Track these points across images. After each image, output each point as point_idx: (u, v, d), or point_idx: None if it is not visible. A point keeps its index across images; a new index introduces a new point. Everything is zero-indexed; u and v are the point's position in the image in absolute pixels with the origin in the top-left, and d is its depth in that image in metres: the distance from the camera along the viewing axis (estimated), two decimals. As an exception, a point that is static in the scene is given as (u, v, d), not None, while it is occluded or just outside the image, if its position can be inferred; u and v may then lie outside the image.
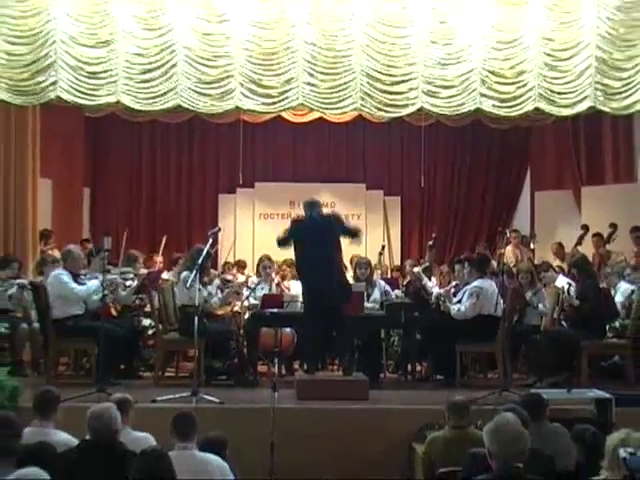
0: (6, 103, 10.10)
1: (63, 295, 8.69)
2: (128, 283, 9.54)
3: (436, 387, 8.95)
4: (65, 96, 9.84)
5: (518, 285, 9.78)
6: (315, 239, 8.39)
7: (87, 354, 9.29)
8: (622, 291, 9.61)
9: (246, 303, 9.90)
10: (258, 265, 10.46)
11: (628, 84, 10.00)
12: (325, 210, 9.06)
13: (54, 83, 9.73)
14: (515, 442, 4.34)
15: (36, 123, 11.69)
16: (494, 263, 11.39)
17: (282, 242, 8.76)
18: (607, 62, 9.98)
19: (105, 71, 9.77)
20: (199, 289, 8.37)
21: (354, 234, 8.69)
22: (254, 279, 10.35)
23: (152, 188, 15.23)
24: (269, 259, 10.43)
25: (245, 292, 9.91)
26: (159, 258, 11.11)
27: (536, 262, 11.59)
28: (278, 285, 10.26)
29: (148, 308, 9.58)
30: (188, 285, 8.60)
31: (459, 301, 9.14)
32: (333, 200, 13.95)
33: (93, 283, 8.76)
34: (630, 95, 10.01)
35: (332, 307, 8.35)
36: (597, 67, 9.96)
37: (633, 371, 8.92)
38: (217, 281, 9.80)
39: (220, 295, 9.57)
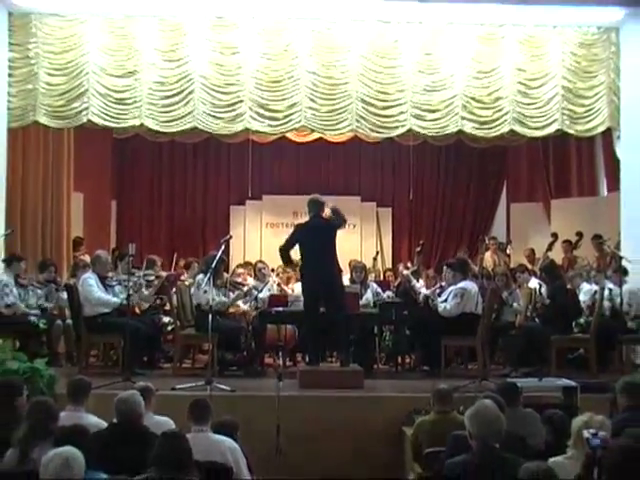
0: (45, 126, 10.18)
1: (87, 297, 8.71)
2: (151, 280, 9.56)
3: (423, 377, 8.91)
4: (96, 120, 9.89)
5: (496, 286, 9.78)
6: (315, 242, 8.35)
7: (114, 347, 9.26)
8: (585, 291, 9.59)
9: (255, 302, 9.87)
10: (254, 269, 10.48)
11: (590, 110, 10.07)
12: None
13: (86, 109, 9.78)
14: (492, 425, 4.37)
15: (70, 144, 11.72)
16: (474, 267, 11.44)
17: (284, 248, 8.60)
18: (572, 91, 10.05)
19: (131, 98, 9.82)
20: (212, 290, 8.39)
21: (339, 216, 8.50)
22: (250, 281, 10.32)
23: (171, 200, 15.21)
24: (262, 262, 10.51)
25: (254, 293, 9.90)
26: (181, 262, 11.17)
27: (512, 266, 11.58)
28: (279, 285, 10.25)
29: (168, 307, 9.59)
30: (203, 287, 8.64)
31: (445, 300, 9.14)
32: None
33: (115, 299, 8.78)
34: (592, 119, 10.10)
35: (330, 305, 8.35)
36: (563, 95, 10.03)
37: (595, 362, 8.94)
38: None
39: (232, 295, 9.57)
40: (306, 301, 8.55)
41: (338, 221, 8.50)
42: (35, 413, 4.65)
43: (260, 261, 10.53)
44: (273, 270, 10.86)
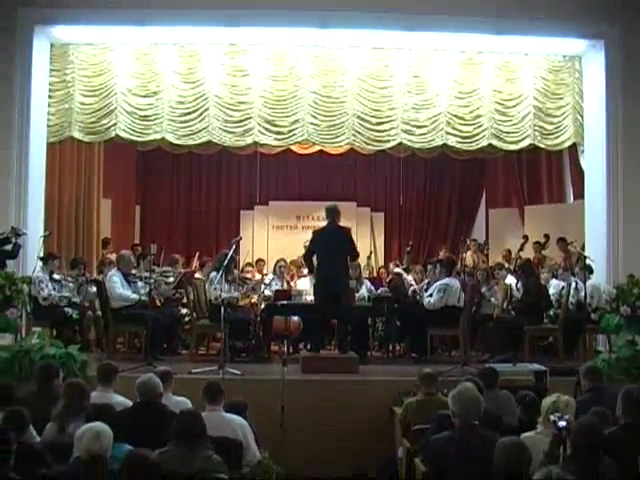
0: (79, 141, 10.25)
1: (111, 293, 8.73)
2: (169, 280, 9.59)
3: (411, 363, 8.91)
4: (123, 135, 9.92)
5: (476, 282, 9.80)
6: (329, 247, 8.33)
7: (138, 336, 9.29)
8: (554, 286, 9.63)
9: (263, 295, 9.86)
10: (275, 265, 10.34)
11: (558, 127, 10.09)
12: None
13: (115, 125, 9.79)
14: (473, 405, 4.40)
15: (100, 155, 11.79)
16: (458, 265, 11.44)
17: (307, 256, 8.68)
18: (542, 110, 10.05)
19: (153, 115, 9.82)
20: (223, 285, 8.40)
21: (353, 255, 8.57)
22: (270, 276, 10.35)
23: (188, 205, 15.20)
24: (285, 261, 10.38)
25: (262, 287, 9.92)
26: (195, 263, 11.20)
27: (490, 264, 11.60)
28: (288, 282, 10.26)
29: (185, 300, 9.61)
30: (216, 282, 8.65)
31: (430, 295, 9.16)
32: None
33: (134, 295, 8.80)
34: (560, 135, 10.12)
35: (338, 302, 8.32)
36: (535, 114, 10.04)
37: (563, 349, 8.95)
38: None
39: (241, 289, 9.58)
40: (317, 298, 8.53)
41: (352, 250, 8.50)
42: (70, 392, 4.69)
43: (284, 260, 10.39)
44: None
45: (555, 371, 7.42)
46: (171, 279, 9.60)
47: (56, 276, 9.10)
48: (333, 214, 8.52)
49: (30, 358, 6.86)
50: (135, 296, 8.81)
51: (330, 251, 8.31)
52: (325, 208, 8.72)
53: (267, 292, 9.77)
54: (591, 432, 3.87)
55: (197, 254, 11.73)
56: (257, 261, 11.60)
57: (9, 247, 8.32)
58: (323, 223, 8.93)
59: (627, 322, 8.24)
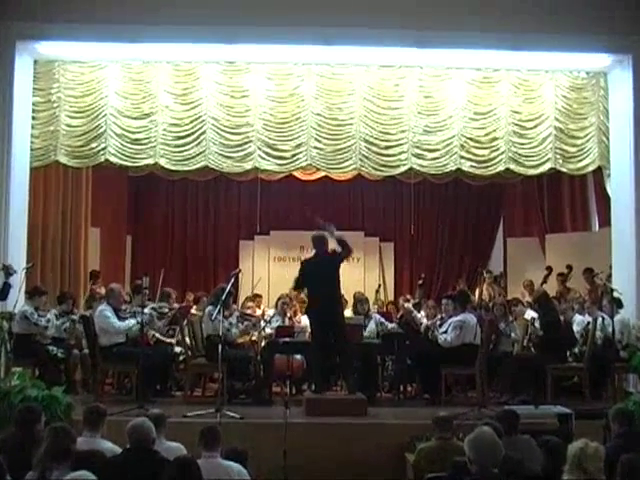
0: (65, 165, 10.30)
1: (105, 328, 8.72)
2: (163, 312, 9.58)
3: (424, 405, 8.89)
4: (113, 159, 9.98)
5: (493, 318, 9.77)
6: (320, 276, 8.38)
7: (128, 376, 9.24)
8: (578, 322, 9.58)
9: (263, 333, 9.87)
10: (278, 300, 10.37)
11: (581, 150, 10.12)
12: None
13: (104, 149, 9.86)
14: (491, 450, 4.36)
15: (89, 181, 11.86)
16: (474, 299, 11.43)
17: (297, 284, 8.87)
18: (564, 131, 10.10)
19: (146, 138, 9.90)
20: (221, 321, 8.40)
21: (345, 247, 8.55)
22: (270, 312, 10.34)
23: (183, 235, 15.23)
24: (289, 298, 10.41)
25: (262, 324, 9.90)
26: (191, 297, 11.20)
27: (509, 298, 11.56)
28: (290, 319, 10.22)
29: (179, 337, 9.59)
30: (212, 318, 8.64)
31: (445, 331, 9.13)
32: (336, 246, 13.87)
33: (131, 321, 8.80)
34: (583, 159, 10.15)
35: (337, 336, 8.33)
36: (556, 135, 10.08)
37: (589, 390, 8.88)
38: (236, 313, 9.76)
39: (241, 326, 9.57)
40: (313, 331, 8.55)
41: (344, 252, 8.53)
42: (53, 437, 4.64)
43: (287, 296, 10.45)
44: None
45: (581, 414, 7.35)
46: (164, 318, 9.60)
47: (42, 312, 9.09)
48: (321, 242, 8.60)
49: (10, 401, 6.82)
50: (133, 321, 8.76)
51: (323, 279, 8.36)
52: (312, 237, 8.75)
53: (268, 330, 9.75)
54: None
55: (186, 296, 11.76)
56: (254, 296, 11.58)
57: None
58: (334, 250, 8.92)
59: (659, 360, 8.19)
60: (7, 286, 8.36)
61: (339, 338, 8.35)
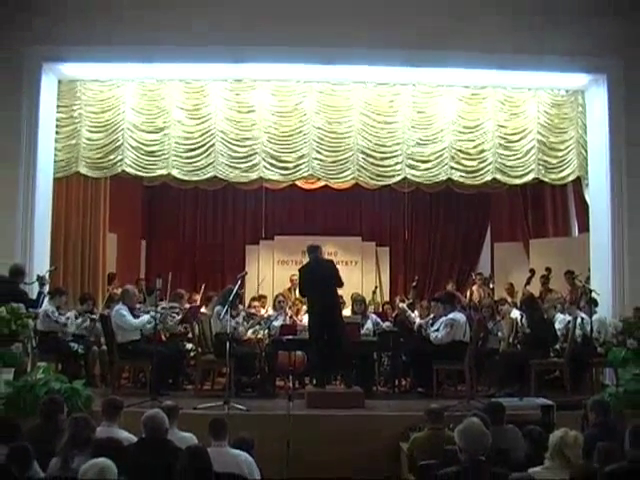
0: (85, 176, 10.35)
1: (121, 326, 8.75)
2: (176, 315, 9.60)
3: (417, 397, 8.90)
4: (129, 170, 10.02)
5: (482, 317, 9.78)
6: (318, 280, 8.42)
7: (143, 371, 9.28)
8: (560, 321, 9.58)
9: (264, 334, 9.89)
10: (275, 299, 10.45)
11: (562, 161, 10.15)
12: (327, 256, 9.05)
13: (121, 160, 9.89)
14: (480, 440, 4.37)
15: (107, 191, 11.87)
16: (463, 299, 11.43)
17: (301, 291, 9.01)
18: (546, 144, 10.13)
19: (159, 151, 9.93)
20: (229, 320, 8.42)
21: (338, 285, 8.63)
22: (272, 312, 10.36)
23: (193, 240, 15.25)
24: (283, 296, 10.48)
25: (266, 322, 9.93)
26: (198, 297, 11.21)
27: (495, 299, 11.57)
28: (291, 317, 10.23)
29: (190, 335, 9.62)
30: (221, 317, 8.66)
31: (437, 330, 9.14)
32: (336, 250, 13.86)
33: (144, 317, 8.84)
34: (564, 169, 10.18)
35: (335, 334, 8.35)
36: (539, 148, 10.11)
37: (569, 383, 8.90)
38: (243, 313, 9.78)
39: (246, 324, 9.59)
40: (312, 330, 8.55)
41: (337, 279, 8.59)
42: (75, 426, 4.66)
43: (281, 294, 10.55)
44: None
45: (562, 405, 7.36)
46: (177, 316, 9.61)
47: (62, 311, 9.12)
48: (316, 250, 8.71)
49: (35, 393, 6.84)
50: (147, 317, 8.79)
51: (319, 284, 8.40)
52: (307, 247, 8.91)
53: (272, 325, 9.77)
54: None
55: (203, 286, 11.75)
56: (259, 297, 11.60)
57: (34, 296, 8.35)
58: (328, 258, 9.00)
59: (634, 355, 8.20)
60: (41, 295, 8.39)
61: (338, 337, 8.36)
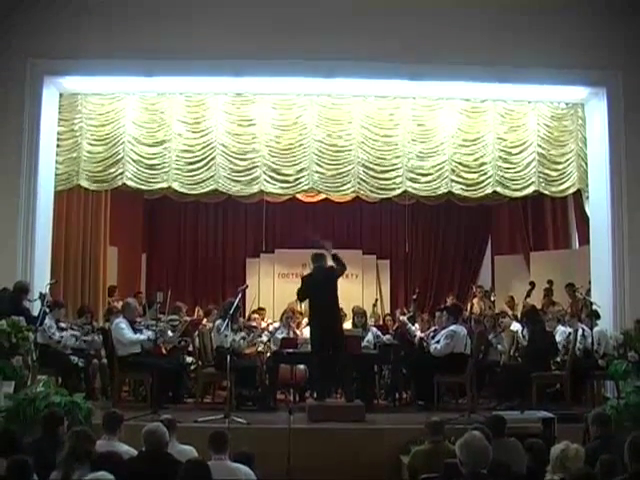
0: (86, 189, 10.38)
1: (119, 339, 8.74)
2: (176, 328, 9.59)
3: (418, 410, 8.86)
4: (130, 183, 10.02)
5: (483, 329, 9.77)
6: (320, 290, 8.43)
7: (143, 384, 9.22)
8: (560, 333, 9.57)
9: (269, 344, 9.86)
10: (283, 314, 10.33)
11: (562, 174, 10.16)
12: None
13: (122, 173, 9.90)
14: (481, 453, 4.34)
15: (107, 204, 11.90)
16: (465, 312, 11.43)
17: (301, 297, 8.99)
18: (546, 157, 10.13)
19: (160, 164, 9.93)
20: (229, 334, 8.41)
21: (340, 263, 8.63)
22: (276, 324, 10.33)
23: (194, 253, 15.27)
24: (293, 312, 10.37)
25: (265, 337, 9.90)
26: (200, 311, 11.23)
27: (496, 311, 11.57)
28: (294, 331, 10.20)
29: (190, 348, 9.60)
30: (220, 332, 8.65)
31: (437, 341, 9.14)
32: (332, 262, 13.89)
33: (143, 335, 8.81)
34: (564, 182, 10.18)
35: (335, 347, 8.34)
36: (539, 160, 10.11)
37: (570, 396, 8.85)
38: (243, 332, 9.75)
39: (247, 338, 9.57)
40: (313, 342, 8.54)
41: (339, 266, 8.58)
42: (75, 439, 4.66)
43: (292, 310, 10.43)
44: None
45: (563, 418, 7.35)
46: (176, 330, 9.60)
47: (62, 324, 9.11)
48: (321, 260, 8.68)
49: (35, 406, 6.83)
50: (144, 336, 8.78)
51: (323, 292, 8.40)
52: (311, 256, 8.85)
53: (273, 339, 9.74)
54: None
55: (198, 310, 11.76)
56: (259, 309, 11.58)
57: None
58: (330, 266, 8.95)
59: (635, 368, 8.18)
60: (43, 313, 8.37)
61: (338, 349, 8.35)
